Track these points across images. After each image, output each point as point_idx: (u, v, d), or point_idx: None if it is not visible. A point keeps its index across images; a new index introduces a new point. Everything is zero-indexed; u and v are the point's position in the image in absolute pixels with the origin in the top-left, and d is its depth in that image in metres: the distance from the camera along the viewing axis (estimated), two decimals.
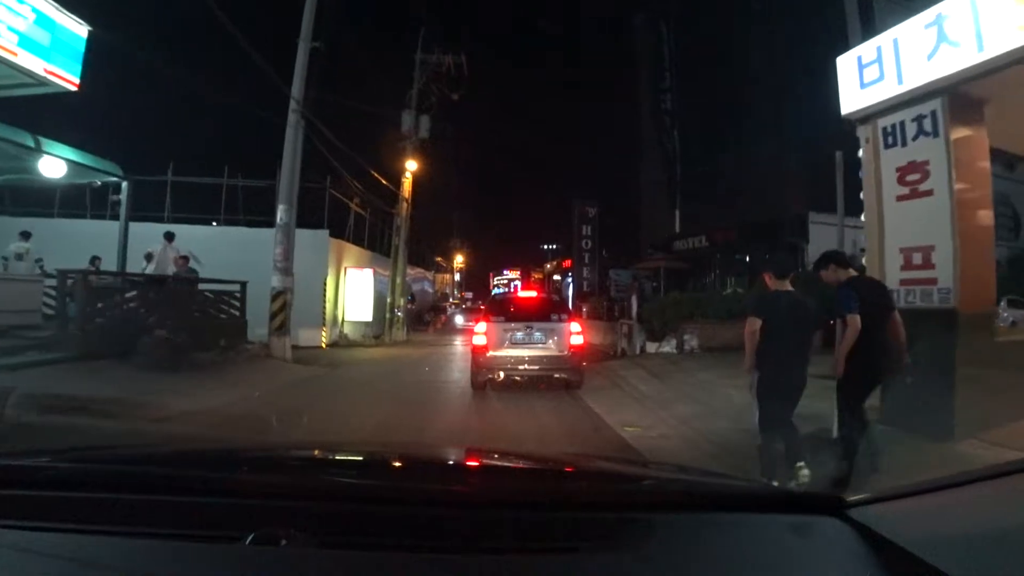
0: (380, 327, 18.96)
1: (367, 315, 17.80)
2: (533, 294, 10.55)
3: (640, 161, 27.57)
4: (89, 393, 5.43)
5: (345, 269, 17.71)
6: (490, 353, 7.51)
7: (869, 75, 4.70)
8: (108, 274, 8.73)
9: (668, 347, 11.80)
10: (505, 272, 61.94)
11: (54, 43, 6.86)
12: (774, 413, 3.53)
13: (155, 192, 17.41)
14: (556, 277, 32.02)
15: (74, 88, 7.34)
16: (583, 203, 21.89)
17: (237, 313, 10.85)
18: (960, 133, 4.31)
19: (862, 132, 4.91)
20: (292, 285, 10.91)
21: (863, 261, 5.31)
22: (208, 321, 10.02)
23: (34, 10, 6.57)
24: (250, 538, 0.84)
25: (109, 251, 9.73)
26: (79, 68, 7.40)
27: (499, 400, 7.41)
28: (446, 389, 8.40)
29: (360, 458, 1.63)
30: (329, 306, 16.37)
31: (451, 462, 1.65)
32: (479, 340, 7.64)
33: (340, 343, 16.74)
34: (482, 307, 30.86)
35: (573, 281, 23.44)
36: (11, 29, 6.30)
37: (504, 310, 8.23)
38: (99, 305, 7.87)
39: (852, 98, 4.95)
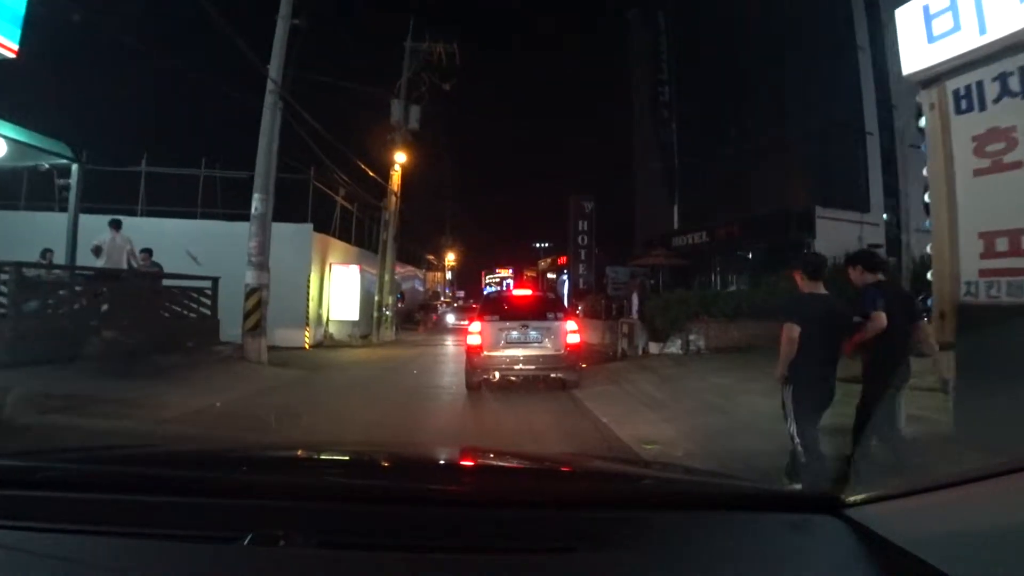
0: (368, 327, 18.10)
1: (353, 314, 16.93)
2: (528, 292, 10.14)
3: (636, 156, 26.90)
4: None
5: (330, 266, 16.83)
6: (485, 353, 7.31)
7: (940, 26, 3.95)
8: (45, 267, 7.74)
9: (673, 348, 11.07)
10: (497, 270, 61.15)
11: None
12: (811, 428, 3.28)
13: (128, 184, 16.49)
14: (551, 276, 31.22)
15: (12, 55, 6.47)
16: (579, 198, 21.13)
17: (208, 312, 9.97)
18: None
19: (925, 97, 4.15)
20: (268, 281, 10.03)
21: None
22: (174, 321, 9.13)
23: None
24: (248, 538, 0.84)
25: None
26: (18, 33, 6.54)
27: (494, 408, 6.65)
28: (435, 396, 7.59)
29: (358, 458, 1.58)
30: (313, 305, 15.49)
31: (449, 462, 1.62)
32: (474, 340, 7.42)
33: (325, 344, 15.91)
34: (474, 306, 30.24)
35: (569, 278, 22.70)
36: None
37: (499, 309, 8.01)
38: (47, 303, 6.98)
39: (916, 55, 4.19)
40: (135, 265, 8.89)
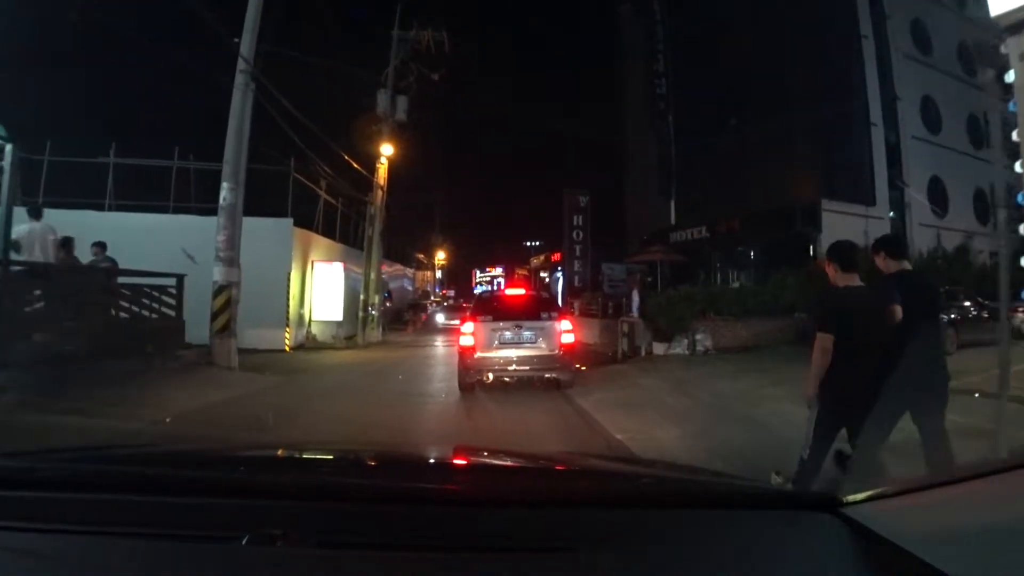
0: (353, 327, 17.21)
1: (337, 314, 16.02)
2: (522, 292, 9.71)
3: (629, 150, 26.25)
4: None
5: (312, 263, 15.91)
6: (478, 354, 7.17)
7: None
8: None
9: (679, 348, 10.34)
10: (488, 269, 60.29)
11: None
12: (824, 453, 2.87)
13: (97, 176, 15.46)
14: (543, 275, 30.41)
15: None
16: (574, 192, 20.33)
17: (172, 312, 9.04)
18: None
19: (1014, 46, 3.41)
20: (239, 279, 9.13)
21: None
22: (131, 323, 8.21)
23: None
24: (246, 538, 0.84)
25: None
26: None
27: (488, 423, 5.85)
28: (423, 406, 6.78)
29: (356, 458, 1.52)
30: (294, 304, 14.58)
31: (447, 461, 1.61)
32: (466, 340, 7.27)
33: (307, 345, 15.02)
34: (464, 305, 29.54)
35: (563, 275, 21.91)
36: None
37: (492, 309, 7.83)
38: None
39: None
40: (54, 258, 7.74)
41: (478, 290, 52.50)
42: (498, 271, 57.83)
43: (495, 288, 49.50)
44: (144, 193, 15.74)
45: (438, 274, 52.05)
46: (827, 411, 2.88)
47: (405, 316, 25.58)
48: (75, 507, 0.95)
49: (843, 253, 3.04)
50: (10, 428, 4.20)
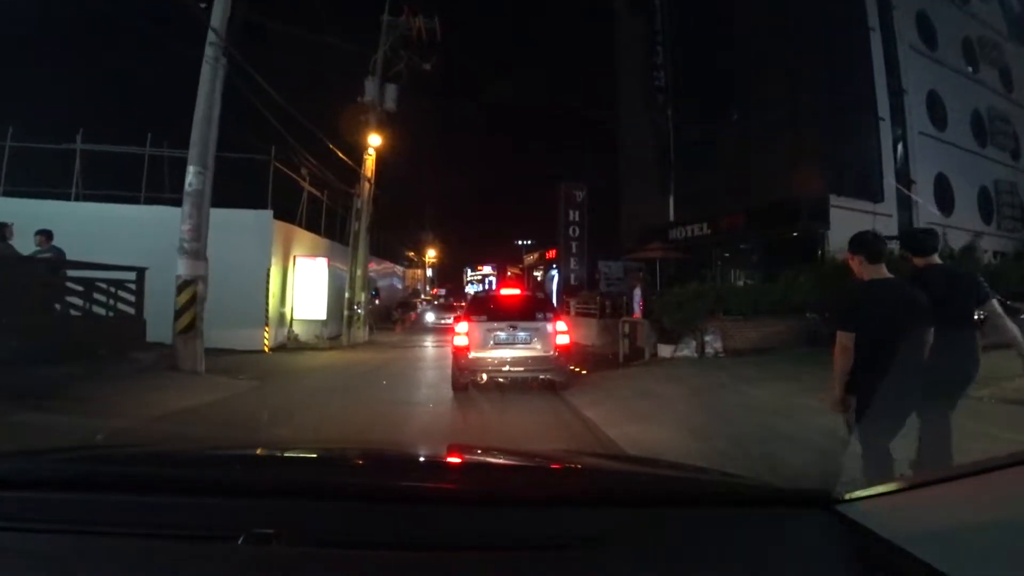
0: (338, 327, 16.34)
1: (320, 313, 15.16)
2: (516, 292, 9.37)
3: (624, 145, 25.59)
4: None
5: (294, 258, 15.03)
6: (472, 354, 7.14)
7: None
8: None
9: (687, 350, 9.60)
10: (479, 268, 59.51)
11: None
12: (884, 453, 2.69)
13: (62, 163, 14.46)
14: (537, 273, 29.58)
15: None
16: (570, 185, 19.50)
17: (132, 310, 8.16)
18: None
19: None
20: (206, 272, 8.24)
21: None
22: (80, 321, 7.32)
23: None
24: (243, 538, 0.84)
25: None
26: None
27: (485, 435, 5.06)
28: (408, 419, 5.97)
29: (352, 457, 1.53)
30: (274, 302, 13.72)
31: (443, 460, 1.61)
32: (460, 341, 7.22)
33: (288, 346, 14.15)
34: (455, 304, 28.80)
35: (559, 273, 21.12)
36: None
37: (486, 309, 7.77)
38: None
39: None
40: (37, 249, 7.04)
41: (469, 289, 51.81)
42: (488, 269, 57.05)
43: (487, 287, 48.85)
44: (115, 183, 14.77)
45: (429, 272, 51.23)
46: (867, 418, 2.66)
47: (394, 315, 24.82)
48: (69, 507, 0.95)
49: (869, 244, 2.85)
50: None
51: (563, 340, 7.28)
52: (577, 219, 19.38)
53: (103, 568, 0.82)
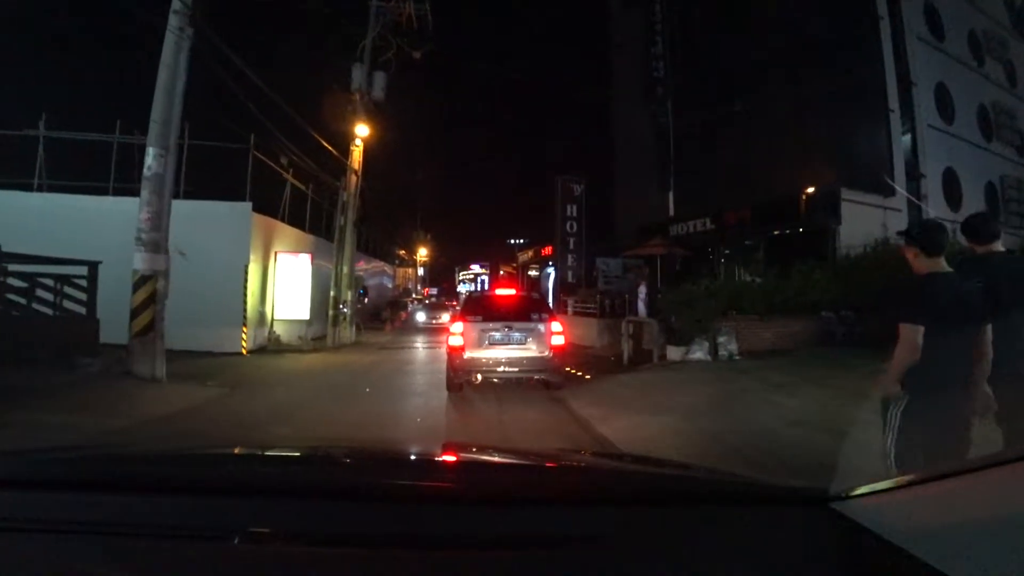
0: (323, 327, 15.45)
1: (303, 312, 14.27)
2: (512, 292, 9.03)
3: (620, 139, 24.89)
4: None
5: (275, 254, 14.12)
6: (467, 354, 7.14)
7: None
8: None
9: (699, 352, 8.83)
10: (472, 267, 58.57)
11: None
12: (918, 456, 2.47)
13: (24, 151, 13.46)
14: (532, 272, 28.76)
15: None
16: (567, 179, 18.71)
17: (83, 309, 7.25)
18: None
19: None
20: (167, 267, 7.33)
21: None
22: (18, 322, 6.40)
23: None
24: (238, 537, 0.84)
25: None
26: None
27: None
28: (394, 434, 5.14)
29: (348, 456, 1.52)
30: (253, 300, 12.80)
31: (439, 459, 1.59)
32: (455, 341, 7.24)
33: (269, 347, 13.27)
34: (447, 303, 27.92)
35: (556, 271, 20.34)
36: None
37: (481, 309, 7.71)
38: None
39: None
40: None
41: (461, 288, 50.86)
42: (478, 268, 56.11)
43: (479, 286, 47.96)
44: (82, 173, 13.79)
45: (420, 271, 50.29)
46: (909, 414, 2.56)
47: (384, 315, 23.94)
48: (66, 507, 0.94)
49: (927, 236, 2.72)
50: None
51: (558, 341, 7.30)
52: (575, 214, 18.59)
53: (97, 568, 0.80)
